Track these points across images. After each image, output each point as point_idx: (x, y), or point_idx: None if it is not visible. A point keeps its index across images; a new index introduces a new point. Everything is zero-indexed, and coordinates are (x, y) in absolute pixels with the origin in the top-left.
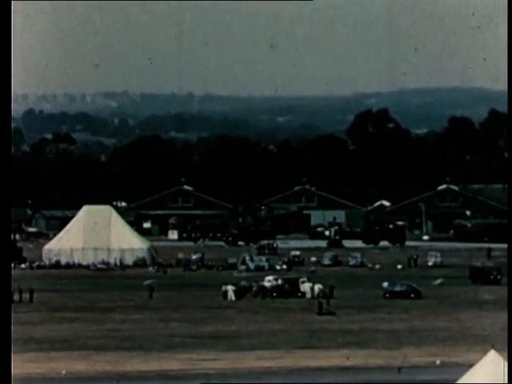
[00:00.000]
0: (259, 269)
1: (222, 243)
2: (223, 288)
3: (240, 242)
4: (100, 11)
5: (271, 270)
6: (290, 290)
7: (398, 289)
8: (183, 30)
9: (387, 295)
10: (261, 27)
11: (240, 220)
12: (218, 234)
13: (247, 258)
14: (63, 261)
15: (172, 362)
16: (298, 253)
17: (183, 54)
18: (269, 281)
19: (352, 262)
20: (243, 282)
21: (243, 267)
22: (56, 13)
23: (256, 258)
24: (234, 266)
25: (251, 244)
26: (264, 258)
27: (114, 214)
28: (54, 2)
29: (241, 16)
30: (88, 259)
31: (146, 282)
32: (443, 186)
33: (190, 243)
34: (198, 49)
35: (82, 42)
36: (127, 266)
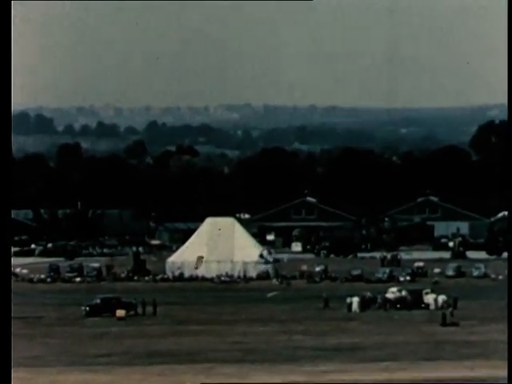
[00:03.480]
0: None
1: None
2: (348, 300)
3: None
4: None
5: (395, 281)
6: (413, 301)
7: None
8: (307, 41)
9: None
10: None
11: (363, 232)
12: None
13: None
14: (187, 273)
15: (296, 375)
16: (421, 264)
17: (307, 66)
18: (392, 292)
19: (475, 273)
20: (368, 294)
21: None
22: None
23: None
24: (358, 278)
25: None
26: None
27: (238, 225)
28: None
29: (358, 25)
30: (211, 272)
31: (270, 294)
32: None
33: (314, 255)
34: (321, 61)
35: (205, 55)
36: (251, 279)
